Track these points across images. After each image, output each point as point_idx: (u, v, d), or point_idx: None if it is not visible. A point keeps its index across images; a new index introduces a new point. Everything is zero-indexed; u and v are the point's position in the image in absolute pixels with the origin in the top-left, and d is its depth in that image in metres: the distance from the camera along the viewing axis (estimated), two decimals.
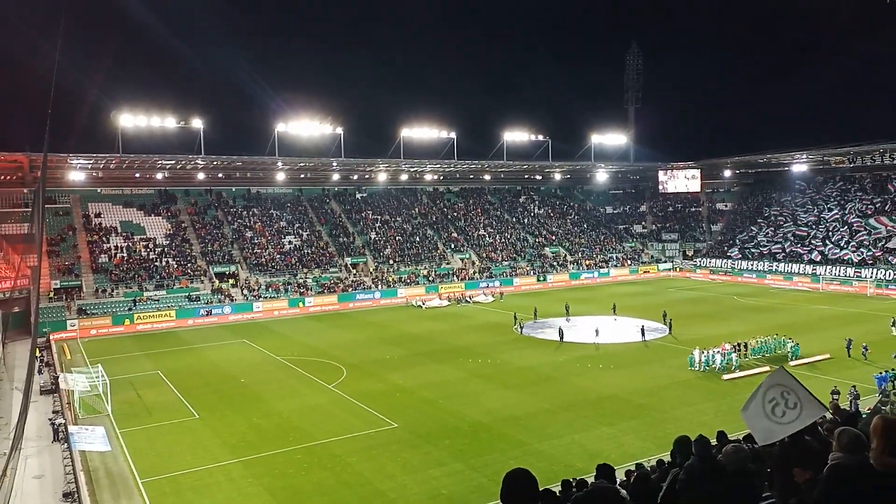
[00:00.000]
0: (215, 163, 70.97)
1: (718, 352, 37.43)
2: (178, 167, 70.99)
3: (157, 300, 58.85)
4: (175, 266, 63.93)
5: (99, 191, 69.87)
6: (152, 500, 22.21)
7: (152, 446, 27.45)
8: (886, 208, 74.62)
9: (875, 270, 66.41)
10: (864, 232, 73.00)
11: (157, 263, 63.61)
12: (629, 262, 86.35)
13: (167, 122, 64.33)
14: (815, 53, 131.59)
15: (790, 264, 74.22)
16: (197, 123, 65.27)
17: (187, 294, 60.45)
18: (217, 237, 70.12)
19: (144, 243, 65.52)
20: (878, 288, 64.03)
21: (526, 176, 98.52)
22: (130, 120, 62.65)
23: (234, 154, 70.01)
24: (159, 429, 29.66)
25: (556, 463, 23.80)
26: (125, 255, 63.22)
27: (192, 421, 30.69)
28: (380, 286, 68.68)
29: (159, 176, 72.39)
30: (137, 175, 71.43)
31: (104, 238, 64.42)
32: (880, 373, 31.56)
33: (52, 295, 55.37)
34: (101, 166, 67.07)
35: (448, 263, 76.77)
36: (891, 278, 64.43)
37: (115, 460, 25.85)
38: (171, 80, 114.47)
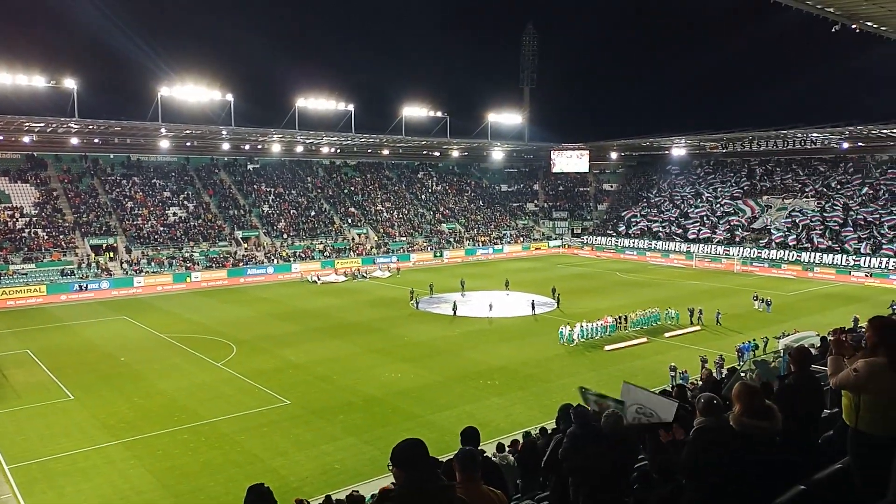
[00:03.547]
0: (91, 127, 65.78)
1: (587, 326, 39.38)
2: (49, 130, 65.32)
3: (26, 274, 54.40)
4: (45, 237, 59.22)
5: None
6: (21, 486, 20.73)
7: (20, 430, 25.59)
8: (753, 191, 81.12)
9: (742, 249, 72.24)
10: (734, 213, 79.03)
11: (24, 234, 58.67)
12: (522, 238, 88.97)
13: (35, 81, 58.84)
14: (695, 45, 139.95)
15: (667, 242, 79.23)
16: (70, 84, 60.20)
17: (60, 268, 56.28)
18: (93, 207, 65.48)
19: (10, 213, 60.21)
20: (744, 265, 69.71)
21: (424, 152, 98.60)
22: None
23: (112, 118, 65.32)
24: (28, 411, 27.69)
25: (447, 433, 24.26)
26: None
27: (66, 402, 28.84)
28: (274, 261, 66.91)
29: (26, 139, 66.29)
30: (1, 137, 65.11)
31: None
32: (743, 343, 34.53)
33: None
34: None
35: (345, 238, 75.88)
36: (755, 256, 70.36)
37: None
38: (40, 35, 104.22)
